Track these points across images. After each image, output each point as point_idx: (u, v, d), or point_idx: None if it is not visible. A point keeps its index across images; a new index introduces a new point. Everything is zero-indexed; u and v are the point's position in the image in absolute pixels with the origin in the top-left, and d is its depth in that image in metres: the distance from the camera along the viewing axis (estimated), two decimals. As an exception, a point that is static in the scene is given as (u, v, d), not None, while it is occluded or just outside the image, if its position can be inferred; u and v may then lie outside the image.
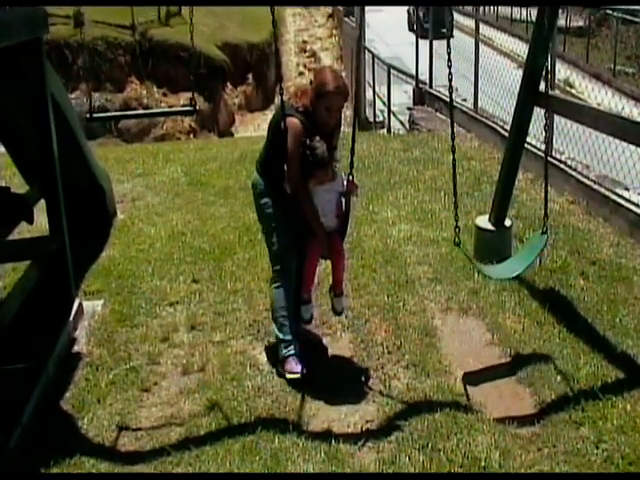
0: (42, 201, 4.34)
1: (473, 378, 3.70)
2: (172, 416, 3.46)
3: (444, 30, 8.80)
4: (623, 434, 3.14)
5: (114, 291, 4.74)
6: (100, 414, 3.47)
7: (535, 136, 6.67)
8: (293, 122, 3.54)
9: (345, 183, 3.70)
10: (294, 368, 3.64)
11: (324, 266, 4.22)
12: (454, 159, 3.48)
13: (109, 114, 9.62)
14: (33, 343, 3.82)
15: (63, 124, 4.76)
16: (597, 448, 3.08)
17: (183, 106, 8.16)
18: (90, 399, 3.58)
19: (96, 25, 15.24)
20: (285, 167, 3.59)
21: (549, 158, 6.76)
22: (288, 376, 3.64)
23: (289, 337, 3.72)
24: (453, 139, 3.54)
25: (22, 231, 5.00)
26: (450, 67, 3.47)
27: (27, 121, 4.21)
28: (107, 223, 5.94)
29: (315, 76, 3.65)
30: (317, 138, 3.54)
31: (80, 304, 4.42)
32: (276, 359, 3.78)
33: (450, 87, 3.51)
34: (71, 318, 4.21)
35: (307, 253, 3.72)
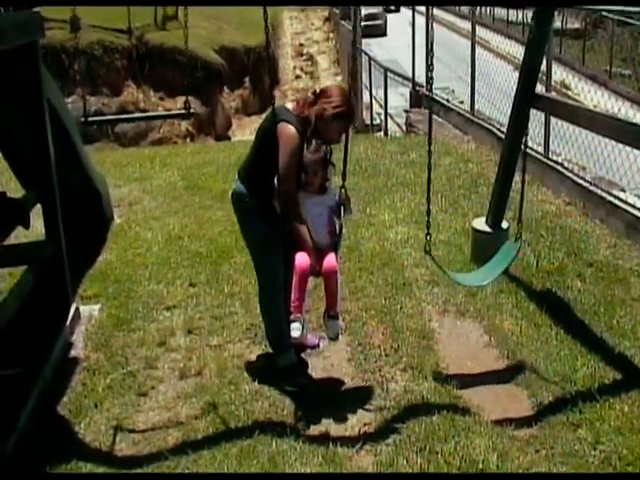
0: (38, 206, 4.34)
1: (470, 380, 3.70)
2: (169, 420, 3.45)
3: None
4: (620, 435, 3.14)
5: (111, 295, 4.74)
6: (97, 419, 3.46)
7: (532, 138, 6.69)
8: (290, 130, 3.32)
9: (337, 197, 3.55)
10: (291, 380, 3.65)
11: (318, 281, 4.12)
12: (430, 158, 3.45)
13: (104, 117, 9.65)
14: (30, 348, 3.81)
15: (59, 128, 4.76)
16: (594, 449, 3.08)
17: (179, 110, 8.17)
18: (87, 404, 3.57)
19: (93, 29, 15.26)
20: (276, 178, 3.37)
21: (546, 160, 6.81)
22: (286, 387, 3.63)
23: (285, 349, 3.69)
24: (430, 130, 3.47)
25: (19, 236, 4.99)
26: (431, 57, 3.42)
27: (23, 126, 4.21)
28: (104, 227, 5.94)
29: (332, 95, 3.41)
30: (314, 143, 3.43)
31: (77, 308, 4.42)
32: (274, 364, 3.77)
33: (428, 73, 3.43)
34: (68, 323, 4.21)
35: (295, 269, 3.41)
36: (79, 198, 5.32)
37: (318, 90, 3.54)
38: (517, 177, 5.89)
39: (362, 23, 24.29)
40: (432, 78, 3.49)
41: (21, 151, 4.48)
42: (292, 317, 3.41)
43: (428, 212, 3.51)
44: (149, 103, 15.49)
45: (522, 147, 4.22)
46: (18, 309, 3.97)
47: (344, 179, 3.62)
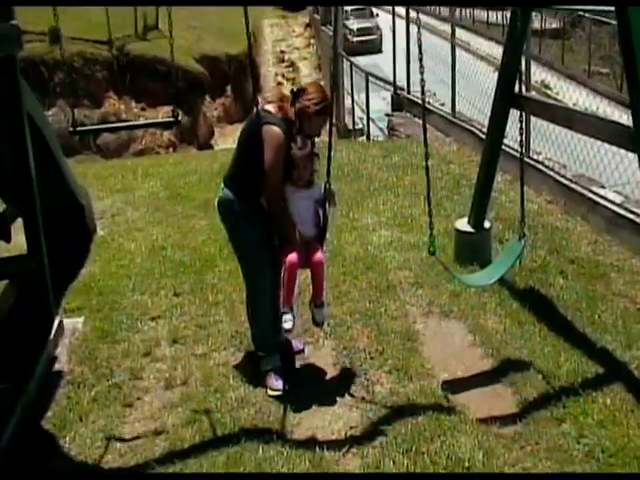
0: (20, 220, 4.32)
1: (456, 380, 3.72)
2: (156, 430, 3.44)
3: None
4: (603, 428, 3.17)
5: (95, 308, 4.72)
6: (82, 432, 3.44)
7: (513, 138, 6.74)
8: (274, 131, 3.42)
9: (322, 191, 3.68)
10: (275, 384, 3.66)
11: (304, 276, 4.21)
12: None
13: (92, 127, 9.55)
14: (13, 363, 3.78)
15: (40, 141, 4.74)
16: (578, 443, 3.11)
17: (166, 117, 8.13)
18: (72, 417, 3.55)
19: (72, 41, 15.22)
20: (263, 179, 3.46)
21: (526, 159, 6.86)
22: (270, 392, 3.65)
23: (270, 352, 3.73)
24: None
25: (0, 250, 4.96)
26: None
27: (3, 139, 4.19)
28: (87, 240, 5.91)
29: (312, 92, 3.55)
30: (300, 139, 3.53)
31: (61, 322, 4.39)
32: (259, 370, 3.77)
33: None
34: (51, 336, 4.18)
35: (286, 264, 3.57)
36: (61, 211, 5.29)
37: (295, 89, 3.65)
38: (499, 177, 5.96)
39: (354, 39, 23.63)
40: (423, 80, 3.52)
41: (1, 164, 4.45)
42: (283, 309, 3.58)
43: (430, 214, 3.51)
44: (130, 114, 15.46)
45: (514, 148, 4.25)
46: (0, 324, 3.95)
47: (328, 174, 3.71)
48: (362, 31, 24.38)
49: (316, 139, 3.69)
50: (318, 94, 3.55)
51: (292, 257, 3.56)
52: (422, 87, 3.53)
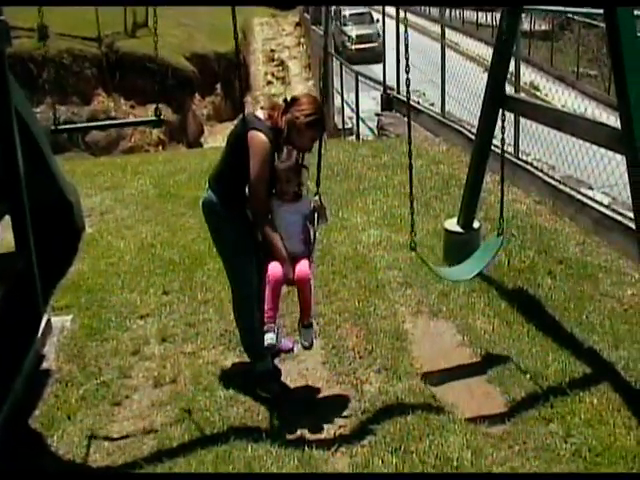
0: (8, 217, 4.29)
1: (444, 379, 3.74)
2: (144, 429, 3.43)
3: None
4: (590, 427, 3.20)
5: (83, 306, 4.70)
6: (70, 430, 3.43)
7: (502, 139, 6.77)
8: (260, 138, 3.31)
9: (312, 205, 3.49)
10: (265, 387, 3.65)
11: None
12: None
13: (74, 125, 9.51)
14: (0, 361, 3.76)
15: (28, 138, 4.70)
16: (566, 442, 3.14)
17: (149, 117, 8.10)
18: (60, 416, 3.53)
19: (61, 38, 15.13)
20: (247, 186, 3.36)
21: (515, 159, 6.90)
22: (259, 393, 3.63)
23: (258, 354, 3.68)
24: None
25: (-12, 248, 4.93)
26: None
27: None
28: (75, 237, 5.88)
29: (304, 103, 3.41)
30: (285, 150, 3.37)
31: (49, 320, 4.37)
32: (248, 369, 3.77)
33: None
34: (39, 334, 4.16)
35: (269, 279, 3.36)
36: (49, 208, 5.27)
37: (289, 98, 3.52)
38: (488, 177, 5.98)
39: (353, 46, 21.89)
40: (408, 79, 3.51)
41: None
42: (265, 327, 3.37)
43: (412, 211, 3.53)
44: (120, 112, 15.39)
45: (499, 147, 4.27)
46: (-13, 322, 3.93)
47: (318, 186, 3.60)
48: (361, 38, 22.22)
49: None
50: (310, 106, 3.40)
51: (275, 272, 3.36)
52: (407, 85, 3.53)
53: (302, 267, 3.40)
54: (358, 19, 23.86)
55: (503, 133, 4.19)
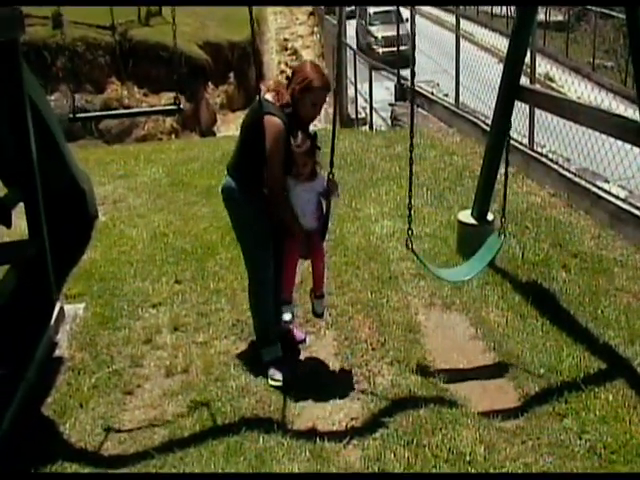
0: (21, 204, 4.29)
1: (457, 373, 3.71)
2: (155, 418, 3.43)
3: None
4: (605, 424, 3.16)
5: (96, 294, 4.70)
6: (82, 418, 3.43)
7: (517, 130, 6.71)
8: (274, 121, 3.38)
9: (325, 183, 3.62)
10: (276, 375, 3.65)
11: (306, 265, 4.20)
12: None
13: (92, 114, 9.41)
14: (13, 348, 3.77)
15: (41, 126, 4.71)
16: (580, 439, 3.10)
17: (167, 105, 8.07)
18: (72, 404, 3.54)
19: (75, 26, 15.09)
20: (264, 169, 3.43)
21: (530, 151, 6.83)
22: (270, 382, 3.64)
23: (271, 343, 3.72)
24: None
25: (1, 235, 4.94)
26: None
27: (4, 124, 4.15)
28: (88, 225, 5.89)
29: (298, 71, 3.51)
30: (300, 135, 3.44)
31: (61, 308, 4.37)
32: (260, 359, 3.76)
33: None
34: (52, 322, 4.17)
35: (286, 254, 3.62)
36: (62, 196, 5.27)
37: (291, 73, 3.59)
38: (502, 169, 5.92)
39: (381, 49, 19.62)
40: (413, 72, 3.51)
41: (2, 149, 4.42)
42: (283, 301, 3.66)
43: (409, 207, 3.52)
44: (133, 100, 15.36)
45: (506, 140, 4.22)
46: (1, 309, 3.93)
47: (331, 164, 3.64)
48: (389, 40, 18.28)
49: (320, 127, 3.62)
50: (304, 71, 3.46)
51: (292, 247, 3.59)
52: (412, 74, 3.54)
53: (317, 243, 3.67)
54: (385, 17, 20.80)
55: (509, 129, 4.14)
